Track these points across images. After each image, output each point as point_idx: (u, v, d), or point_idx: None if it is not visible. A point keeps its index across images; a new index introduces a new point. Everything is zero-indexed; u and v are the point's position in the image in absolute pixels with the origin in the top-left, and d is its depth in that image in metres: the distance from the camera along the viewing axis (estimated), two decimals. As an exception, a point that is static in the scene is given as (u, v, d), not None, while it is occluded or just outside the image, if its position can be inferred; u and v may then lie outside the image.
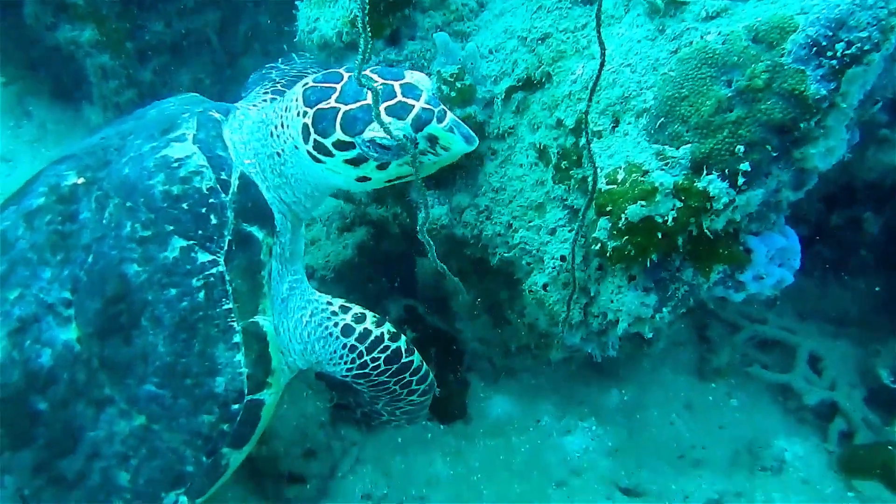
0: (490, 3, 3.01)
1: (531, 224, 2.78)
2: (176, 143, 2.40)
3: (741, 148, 2.14)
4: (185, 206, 2.31)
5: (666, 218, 2.23)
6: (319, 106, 2.27)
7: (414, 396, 2.86)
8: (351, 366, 2.62)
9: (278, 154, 2.45)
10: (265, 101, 2.86)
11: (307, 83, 2.35)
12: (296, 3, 3.11)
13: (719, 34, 2.18)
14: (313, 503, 3.22)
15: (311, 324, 2.60)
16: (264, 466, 3.16)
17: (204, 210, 2.32)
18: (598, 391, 3.69)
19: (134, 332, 2.26)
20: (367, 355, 2.59)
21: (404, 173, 2.35)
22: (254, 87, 3.15)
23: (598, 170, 2.37)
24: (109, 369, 2.26)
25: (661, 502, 3.22)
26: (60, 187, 2.39)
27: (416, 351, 2.69)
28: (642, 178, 2.25)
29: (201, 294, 2.29)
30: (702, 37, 2.24)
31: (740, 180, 2.16)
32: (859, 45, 1.99)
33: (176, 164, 2.35)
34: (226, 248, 2.32)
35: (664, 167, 2.24)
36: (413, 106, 2.18)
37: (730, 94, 2.14)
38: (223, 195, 2.35)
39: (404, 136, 2.17)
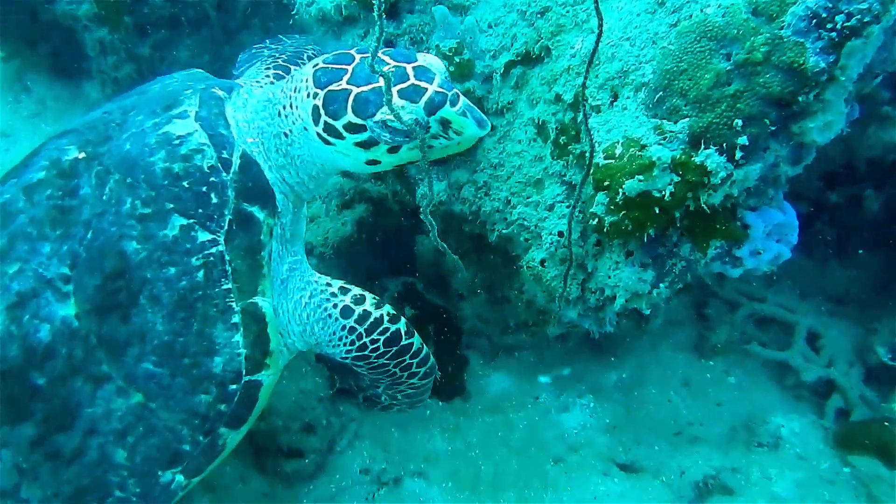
0: (489, -24, 2.98)
1: (529, 200, 2.77)
2: (178, 120, 2.37)
3: (739, 122, 2.12)
4: (185, 184, 2.29)
5: (663, 193, 2.22)
6: (330, 87, 2.22)
7: (414, 380, 2.83)
8: (350, 347, 2.59)
9: (285, 134, 2.41)
10: (268, 77, 2.83)
11: (318, 64, 2.31)
12: (294, -24, 3.09)
13: (719, 7, 2.15)
14: (312, 478, 3.26)
15: (311, 305, 2.57)
16: (263, 441, 3.18)
17: (205, 189, 2.30)
18: (596, 368, 3.71)
19: (132, 309, 2.26)
20: (366, 337, 2.56)
21: (415, 157, 2.30)
22: (244, 66, 3.10)
23: (597, 144, 2.35)
24: (107, 346, 2.25)
25: (658, 478, 3.25)
26: (61, 161, 2.37)
27: (416, 333, 2.67)
28: (640, 153, 2.23)
29: (200, 273, 2.27)
30: (702, 10, 2.21)
31: (738, 155, 2.15)
32: (859, 16, 1.97)
33: (177, 142, 2.33)
34: (226, 227, 2.31)
35: (662, 141, 2.22)
36: (426, 89, 2.14)
37: (728, 68, 2.12)
38: (224, 174, 2.33)
39: (416, 119, 2.13)
